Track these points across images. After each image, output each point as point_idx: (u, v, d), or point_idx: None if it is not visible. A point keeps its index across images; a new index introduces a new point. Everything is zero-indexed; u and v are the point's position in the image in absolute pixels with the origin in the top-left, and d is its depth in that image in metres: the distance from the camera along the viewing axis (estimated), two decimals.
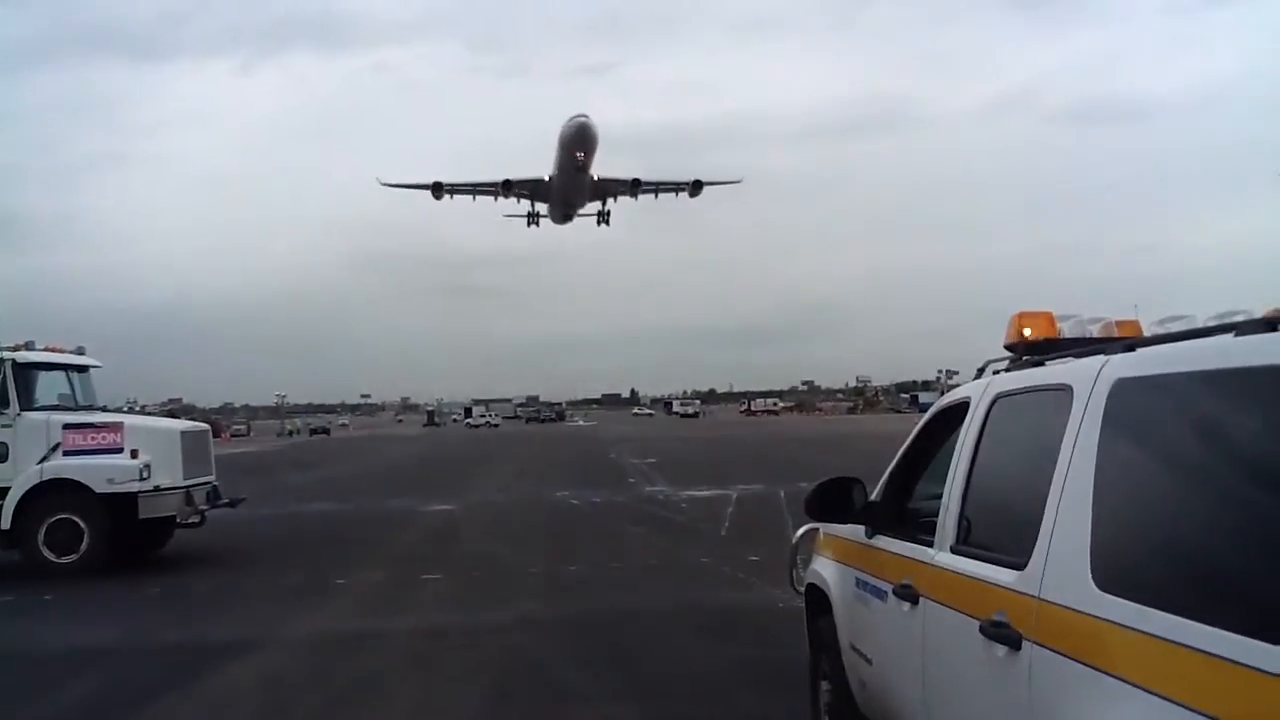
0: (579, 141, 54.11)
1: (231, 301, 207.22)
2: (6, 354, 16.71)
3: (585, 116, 53.68)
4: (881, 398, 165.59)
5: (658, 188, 59.82)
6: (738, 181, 62.72)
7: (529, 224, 62.35)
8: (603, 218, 62.07)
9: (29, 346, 17.41)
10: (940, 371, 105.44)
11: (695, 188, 59.10)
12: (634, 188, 59.07)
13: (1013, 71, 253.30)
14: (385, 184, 60.27)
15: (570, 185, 57.35)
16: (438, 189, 58.33)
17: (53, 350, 17.91)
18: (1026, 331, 4.64)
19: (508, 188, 58.41)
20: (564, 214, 61.80)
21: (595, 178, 57.62)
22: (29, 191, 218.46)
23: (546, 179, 57.66)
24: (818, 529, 6.70)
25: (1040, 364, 4.26)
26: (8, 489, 16.14)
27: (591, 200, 60.55)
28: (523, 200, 60.26)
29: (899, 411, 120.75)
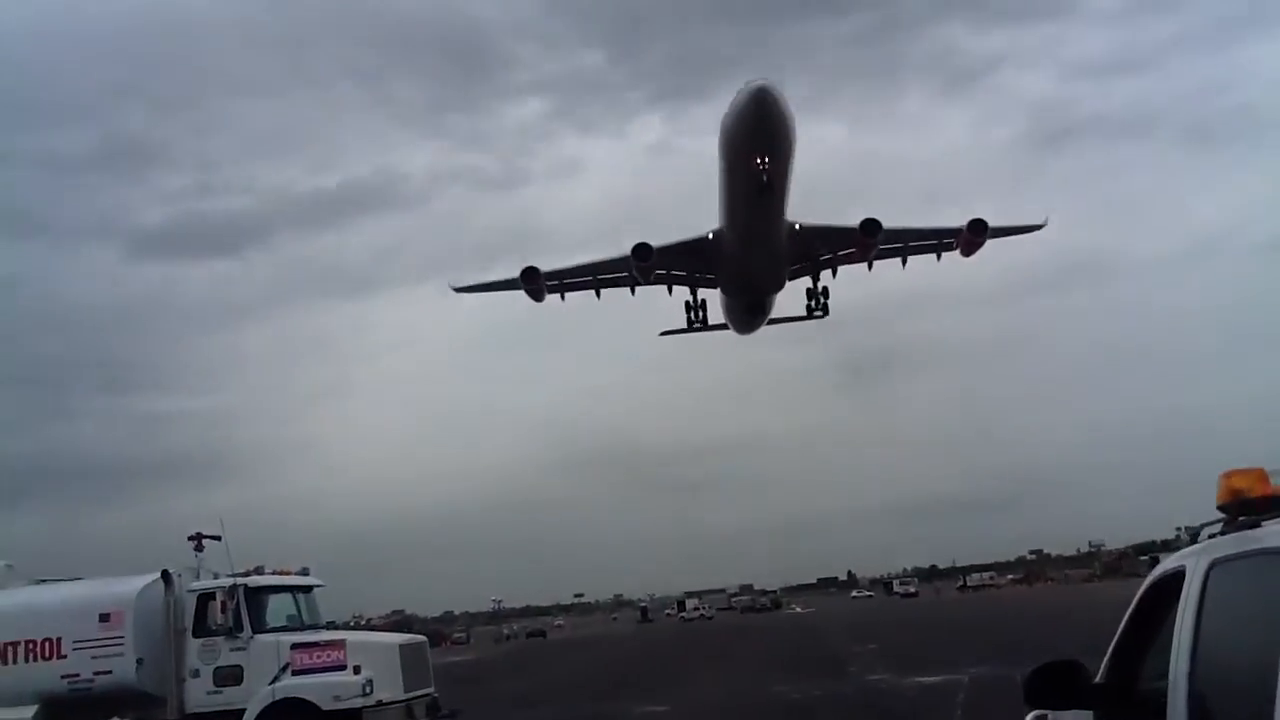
0: (756, 131, 29.10)
1: (446, 511, 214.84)
2: (240, 580, 17.75)
3: (764, 81, 29.07)
4: (1121, 562, 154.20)
5: (907, 241, 36.24)
6: (1040, 226, 38.35)
7: (691, 325, 39.27)
8: (816, 301, 38.27)
9: (259, 571, 18.49)
10: (1179, 529, 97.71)
11: (974, 232, 34.92)
12: (867, 236, 34.45)
13: (1207, 211, 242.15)
14: (458, 289, 39.93)
15: (753, 236, 33.80)
16: (531, 279, 36.05)
17: (280, 573, 18.95)
18: (1239, 490, 4.29)
19: (644, 259, 34.88)
20: (749, 303, 38.49)
21: (796, 225, 34.32)
22: (254, 426, 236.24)
23: (709, 236, 35.10)
24: (1047, 715, 6.24)
25: (1256, 525, 3.93)
26: (243, 710, 16.85)
27: (793, 264, 36.66)
28: (677, 287, 38.25)
29: (1141, 576, 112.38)
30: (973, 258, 35.85)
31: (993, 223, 35.05)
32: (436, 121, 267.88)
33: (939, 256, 36.05)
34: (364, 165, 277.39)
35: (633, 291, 37.06)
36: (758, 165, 29.86)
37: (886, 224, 34.43)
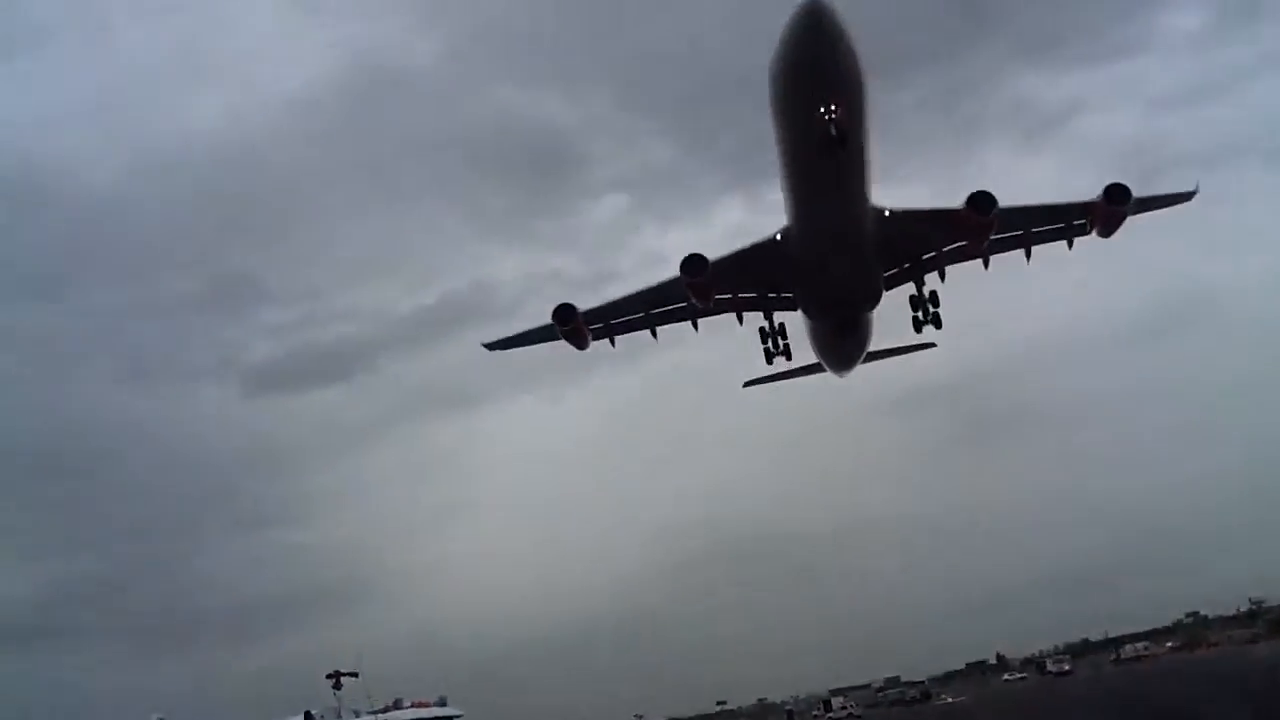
0: (813, 59, 21.81)
1: (578, 623, 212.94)
2: (380, 717, 17.61)
3: None
4: None
5: (1029, 226, 28.61)
6: (1189, 195, 30.84)
7: (770, 359, 31.22)
8: (924, 311, 30.11)
9: (398, 704, 18.33)
10: None
11: (1114, 202, 27.91)
12: (978, 214, 26.82)
13: None
14: (490, 346, 32.98)
15: (829, 222, 26.61)
16: (566, 318, 29.48)
17: (418, 704, 18.77)
18: None
19: (697, 274, 27.74)
20: (839, 323, 30.87)
21: (886, 211, 27.12)
22: (378, 551, 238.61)
23: (777, 237, 28.24)
24: None
25: None
26: None
27: (888, 267, 29.16)
28: (747, 314, 30.82)
29: None
30: (1112, 238, 28.90)
31: (1139, 193, 27.81)
32: (524, 226, 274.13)
33: (1070, 243, 29.44)
34: (459, 278, 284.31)
35: (695, 326, 30.84)
36: (822, 114, 22.21)
37: (1002, 201, 26.98)
